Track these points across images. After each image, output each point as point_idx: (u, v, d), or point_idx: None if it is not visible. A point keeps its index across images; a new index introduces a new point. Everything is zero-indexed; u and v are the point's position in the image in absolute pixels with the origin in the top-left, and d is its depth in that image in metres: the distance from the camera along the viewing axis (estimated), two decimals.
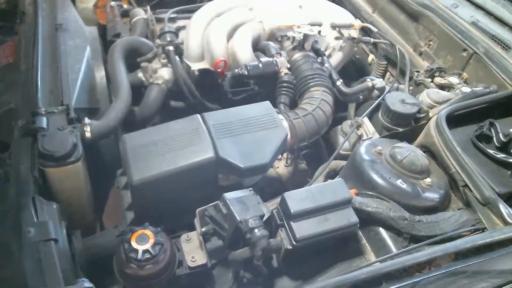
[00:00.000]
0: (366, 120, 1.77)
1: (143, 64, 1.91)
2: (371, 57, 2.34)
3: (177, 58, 1.90)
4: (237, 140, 1.41)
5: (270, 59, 1.75)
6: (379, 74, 2.23)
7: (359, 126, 1.69)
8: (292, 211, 1.18)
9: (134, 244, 1.11)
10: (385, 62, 2.21)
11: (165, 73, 1.89)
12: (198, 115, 1.47)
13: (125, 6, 2.34)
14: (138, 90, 1.91)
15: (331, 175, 1.64)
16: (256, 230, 1.16)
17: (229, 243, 1.24)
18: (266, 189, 1.75)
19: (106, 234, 1.46)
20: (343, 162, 1.60)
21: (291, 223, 1.19)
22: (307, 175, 1.86)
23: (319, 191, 1.24)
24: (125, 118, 1.66)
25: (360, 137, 1.72)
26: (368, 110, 1.76)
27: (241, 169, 1.35)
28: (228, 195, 1.22)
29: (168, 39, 1.92)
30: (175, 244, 1.30)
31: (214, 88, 1.93)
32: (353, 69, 2.38)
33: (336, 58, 2.05)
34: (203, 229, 1.25)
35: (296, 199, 1.21)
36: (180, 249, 1.29)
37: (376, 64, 2.25)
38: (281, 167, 1.85)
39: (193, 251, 1.29)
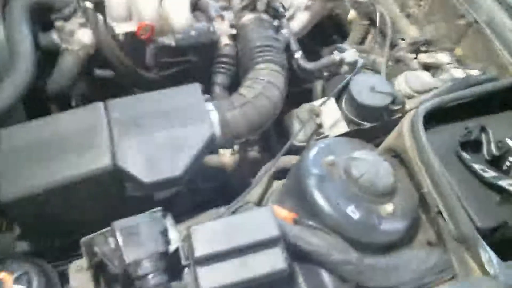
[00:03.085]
0: (331, 102, 1.42)
1: (57, 24, 1.51)
2: (352, 13, 1.91)
3: (100, 17, 1.49)
4: (146, 141, 1.08)
5: (207, 24, 1.35)
6: (358, 36, 1.83)
7: (317, 115, 1.34)
8: (196, 255, 0.88)
9: None
10: (367, 22, 1.81)
11: (83, 36, 1.50)
12: (101, 104, 1.14)
13: None
14: (55, 57, 1.53)
15: (280, 175, 1.32)
16: (150, 277, 0.90)
17: (122, 285, 0.97)
18: (206, 185, 1.46)
19: None
20: (296, 158, 1.28)
21: (197, 268, 0.89)
22: (258, 164, 1.54)
23: (238, 225, 0.92)
24: (23, 95, 1.31)
25: (319, 126, 1.38)
26: (334, 91, 1.40)
27: (144, 184, 1.03)
28: (119, 224, 0.94)
29: None
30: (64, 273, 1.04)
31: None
32: (329, 28, 1.97)
33: (300, 20, 1.61)
34: (92, 262, 0.98)
35: (205, 236, 0.91)
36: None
37: (357, 24, 1.84)
38: (226, 155, 1.52)
39: (84, 285, 1.02)
